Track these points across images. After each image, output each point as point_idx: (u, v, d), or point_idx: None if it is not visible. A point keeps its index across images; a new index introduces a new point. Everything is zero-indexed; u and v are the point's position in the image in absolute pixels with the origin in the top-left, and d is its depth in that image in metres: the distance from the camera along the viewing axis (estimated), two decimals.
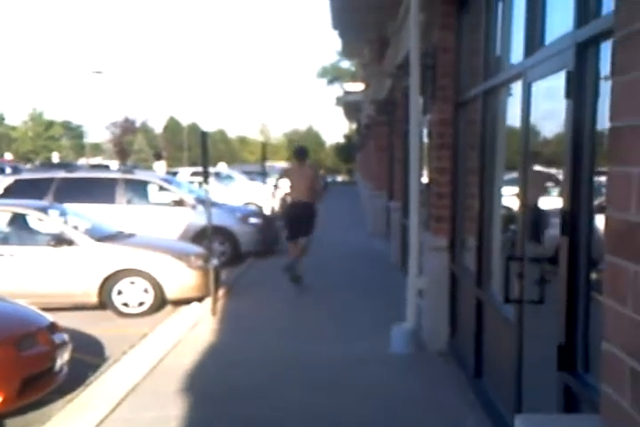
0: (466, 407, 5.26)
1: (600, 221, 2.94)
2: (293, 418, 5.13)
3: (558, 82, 3.40)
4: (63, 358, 5.73)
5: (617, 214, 1.94)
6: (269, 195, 13.98)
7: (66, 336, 5.96)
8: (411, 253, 7.09)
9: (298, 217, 10.61)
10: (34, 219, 9.61)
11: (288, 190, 10.89)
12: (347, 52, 22.38)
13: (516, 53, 4.63)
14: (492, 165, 5.27)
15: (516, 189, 4.34)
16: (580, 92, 3.12)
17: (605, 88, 2.94)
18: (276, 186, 11.46)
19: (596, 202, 3.05)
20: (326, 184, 31.01)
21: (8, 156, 59.90)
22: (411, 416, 5.17)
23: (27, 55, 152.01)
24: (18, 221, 9.81)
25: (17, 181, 13.40)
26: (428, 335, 6.91)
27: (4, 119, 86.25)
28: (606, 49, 2.91)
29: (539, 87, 3.95)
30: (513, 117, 4.71)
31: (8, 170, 29.50)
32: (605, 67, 2.93)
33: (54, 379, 5.58)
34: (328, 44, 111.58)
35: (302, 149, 11.26)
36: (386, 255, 13.29)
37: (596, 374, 2.95)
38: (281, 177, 11.27)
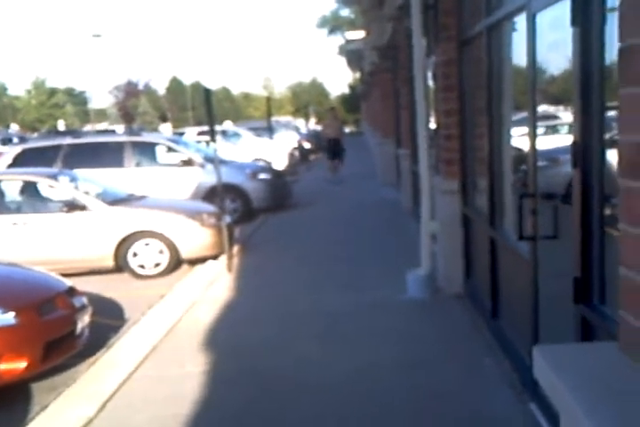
0: (483, 348, 5.29)
1: (611, 156, 2.87)
2: (313, 369, 5.17)
3: (563, 11, 3.29)
4: (84, 321, 5.79)
5: (630, 138, 1.87)
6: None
7: (85, 300, 6.01)
8: (422, 198, 7.04)
9: (333, 146, 19.48)
10: (45, 186, 9.62)
11: (327, 132, 20.25)
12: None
13: None
14: (500, 104, 5.17)
15: (524, 130, 4.25)
16: (587, 19, 3.00)
17: (612, 14, 2.84)
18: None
19: (607, 136, 2.97)
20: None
21: (14, 126, 59.82)
22: (430, 358, 5.21)
23: (24, 23, 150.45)
24: (29, 189, 9.85)
25: (25, 150, 13.36)
26: (444, 279, 6.91)
27: (6, 89, 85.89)
28: None
29: (543, 18, 3.83)
30: (519, 55, 4.58)
31: (15, 140, 29.52)
32: None
33: (76, 342, 5.64)
34: None
35: (334, 108, 24.08)
36: (397, 203, 13.25)
37: (612, 305, 2.93)
38: (323, 128, 21.56)
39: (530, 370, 4.09)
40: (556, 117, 4.36)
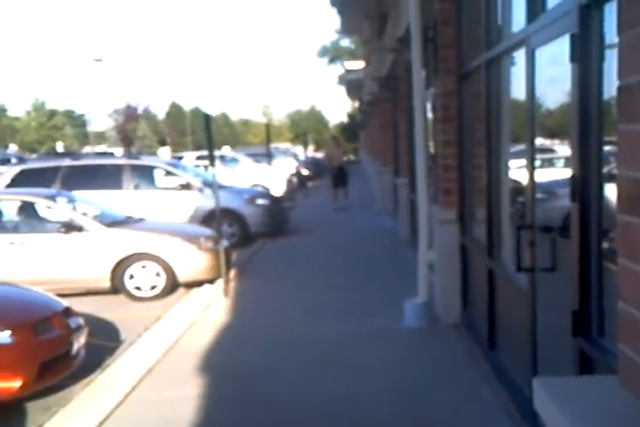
0: (480, 378, 5.28)
1: (609, 190, 2.93)
2: (309, 394, 5.16)
3: (562, 47, 3.37)
4: (80, 341, 5.79)
5: (629, 174, 1.93)
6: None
7: (81, 320, 6.01)
8: (420, 227, 7.08)
9: (338, 174, 19.42)
10: (43, 207, 9.64)
11: (332, 160, 20.01)
12: (346, 30, 22.24)
13: (518, 21, 4.58)
14: (498, 136, 5.25)
15: (522, 162, 4.32)
16: (586, 55, 3.08)
17: (611, 51, 2.92)
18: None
19: (605, 170, 3.03)
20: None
21: (13, 147, 59.90)
22: (426, 389, 5.19)
23: (26, 45, 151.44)
24: (27, 209, 9.86)
25: (23, 171, 13.40)
26: (441, 308, 6.93)
27: (6, 111, 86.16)
28: (610, 10, 2.88)
29: (542, 54, 3.92)
30: (517, 88, 4.68)
31: (13, 160, 29.59)
32: (610, 28, 2.90)
33: (72, 363, 5.63)
34: (327, 23, 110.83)
35: (336, 137, 24.91)
36: (395, 232, 13.29)
37: (610, 338, 2.96)
38: (326, 157, 21.42)
39: (529, 401, 4.09)
40: (552, 151, 4.44)
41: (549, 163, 4.57)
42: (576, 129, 3.16)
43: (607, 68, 2.93)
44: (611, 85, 2.86)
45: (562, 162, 4.26)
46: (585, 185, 3.12)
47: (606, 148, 2.99)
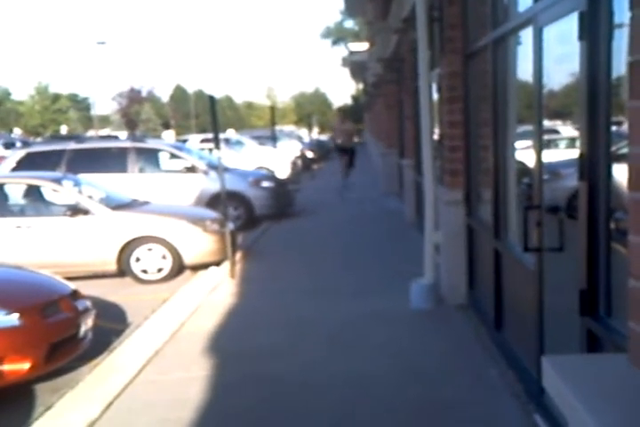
0: (487, 359, 5.29)
1: (617, 169, 2.91)
2: (317, 375, 5.18)
3: (571, 25, 3.33)
4: (87, 324, 5.81)
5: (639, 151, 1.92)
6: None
7: (88, 303, 6.03)
8: (426, 208, 7.06)
9: (345, 152, 19.38)
10: (48, 190, 9.65)
11: (339, 138, 19.75)
12: (350, 11, 22.12)
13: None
14: (505, 116, 5.21)
15: (527, 143, 4.30)
16: (594, 34, 3.05)
17: (619, 29, 2.89)
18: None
19: (613, 148, 3.01)
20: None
21: (17, 131, 59.88)
22: (433, 370, 5.20)
23: (29, 28, 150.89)
24: (33, 192, 9.87)
25: (29, 154, 13.40)
26: (447, 290, 6.93)
27: (10, 94, 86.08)
28: None
29: (550, 33, 3.88)
30: (524, 68, 4.63)
31: (18, 144, 29.58)
32: (619, 6, 2.86)
33: (79, 345, 5.67)
34: (331, 4, 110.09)
35: (345, 115, 23.29)
36: (400, 213, 13.27)
37: (618, 317, 2.95)
38: (333, 134, 22.91)
39: (535, 381, 4.12)
40: (556, 132, 4.41)
41: (553, 144, 4.55)
42: (584, 108, 3.13)
43: (616, 46, 2.90)
44: (620, 64, 2.83)
45: (564, 143, 4.24)
46: (593, 164, 3.10)
47: (615, 127, 2.96)
